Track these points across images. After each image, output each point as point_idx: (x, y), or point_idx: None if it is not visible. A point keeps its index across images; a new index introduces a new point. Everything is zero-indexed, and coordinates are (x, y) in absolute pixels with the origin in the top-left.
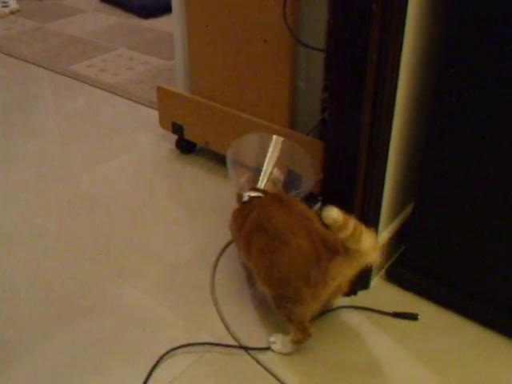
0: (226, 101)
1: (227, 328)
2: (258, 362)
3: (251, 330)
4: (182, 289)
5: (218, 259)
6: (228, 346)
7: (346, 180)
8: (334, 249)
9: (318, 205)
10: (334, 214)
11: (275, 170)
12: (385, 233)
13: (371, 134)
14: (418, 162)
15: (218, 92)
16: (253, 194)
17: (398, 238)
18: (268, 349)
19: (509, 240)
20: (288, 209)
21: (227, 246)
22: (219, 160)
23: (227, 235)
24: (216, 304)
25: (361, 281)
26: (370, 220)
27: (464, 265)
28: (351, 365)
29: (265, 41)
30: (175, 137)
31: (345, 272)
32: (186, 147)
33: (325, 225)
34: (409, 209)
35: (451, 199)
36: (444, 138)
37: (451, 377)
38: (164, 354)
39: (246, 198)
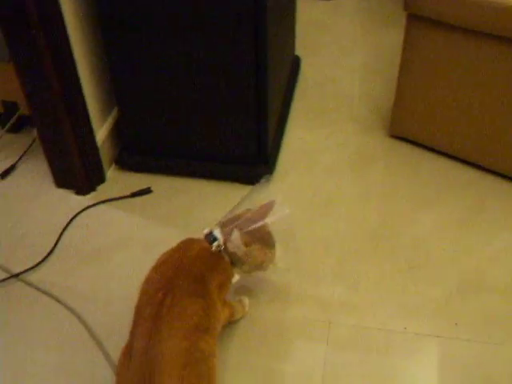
0: None
1: None
2: (32, 285)
3: (12, 254)
4: None
5: None
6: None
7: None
8: None
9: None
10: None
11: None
12: (101, 131)
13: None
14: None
15: None
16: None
17: (117, 133)
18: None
19: (188, 112)
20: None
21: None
22: None
23: None
24: None
25: (96, 176)
26: (82, 125)
27: (165, 136)
28: (103, 246)
29: None
30: None
31: None
32: None
33: None
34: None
35: (137, 92)
36: (116, 45)
37: (188, 227)
38: None
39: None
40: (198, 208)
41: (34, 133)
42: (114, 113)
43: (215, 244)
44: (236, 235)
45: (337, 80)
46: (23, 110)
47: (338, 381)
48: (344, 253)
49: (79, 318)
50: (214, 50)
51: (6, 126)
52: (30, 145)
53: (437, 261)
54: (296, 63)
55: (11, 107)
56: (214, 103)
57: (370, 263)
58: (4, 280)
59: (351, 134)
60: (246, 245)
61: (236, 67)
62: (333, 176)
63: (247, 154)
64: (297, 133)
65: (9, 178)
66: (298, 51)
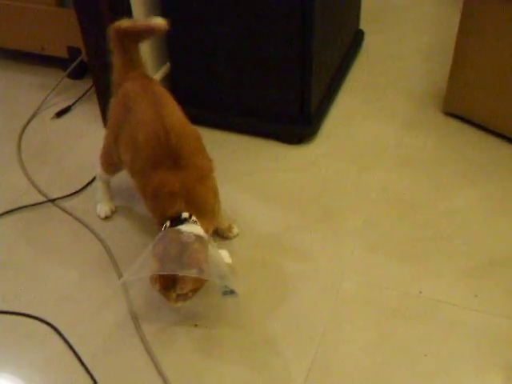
0: None
1: (32, 183)
2: (65, 211)
3: (53, 182)
4: None
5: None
6: (36, 204)
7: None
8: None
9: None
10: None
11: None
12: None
13: None
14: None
15: None
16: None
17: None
18: None
19: (235, 68)
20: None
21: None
22: (10, 57)
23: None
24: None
25: None
26: None
27: (210, 89)
28: None
29: None
30: None
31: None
32: None
33: None
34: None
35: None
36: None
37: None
38: None
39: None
40: (231, 161)
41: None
42: (164, 68)
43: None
44: None
45: (398, 57)
46: (85, 56)
47: (340, 331)
48: (372, 215)
49: (102, 242)
50: (263, 8)
51: (67, 71)
52: (88, 90)
53: (468, 235)
54: (358, 37)
55: (76, 53)
56: (260, 60)
57: (398, 228)
58: (41, 203)
59: (404, 109)
60: None
61: (283, 26)
62: (376, 144)
63: (289, 113)
64: (348, 102)
65: (64, 117)
66: (364, 26)
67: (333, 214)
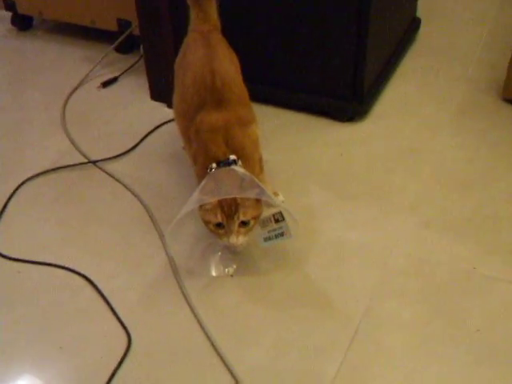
0: None
1: (76, 147)
2: (106, 172)
3: (94, 145)
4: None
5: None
6: (77, 164)
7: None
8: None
9: None
10: None
11: None
12: None
13: None
14: None
15: None
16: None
17: None
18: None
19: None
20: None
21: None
22: (58, 30)
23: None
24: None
25: None
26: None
27: (263, 63)
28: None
29: None
30: (9, 14)
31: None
32: (22, 23)
33: None
34: None
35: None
36: None
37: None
38: (22, 183)
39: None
40: (280, 134)
41: (141, 53)
42: None
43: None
44: None
45: (456, 45)
46: (135, 29)
47: (386, 303)
48: (425, 192)
49: (143, 203)
50: None
51: (115, 43)
52: (136, 62)
53: None
54: (415, 24)
55: (125, 26)
56: (315, 35)
57: (452, 205)
58: (81, 164)
59: (460, 93)
60: None
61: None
62: (429, 127)
63: (342, 90)
64: (402, 86)
65: (110, 88)
66: (422, 14)
67: (383, 190)
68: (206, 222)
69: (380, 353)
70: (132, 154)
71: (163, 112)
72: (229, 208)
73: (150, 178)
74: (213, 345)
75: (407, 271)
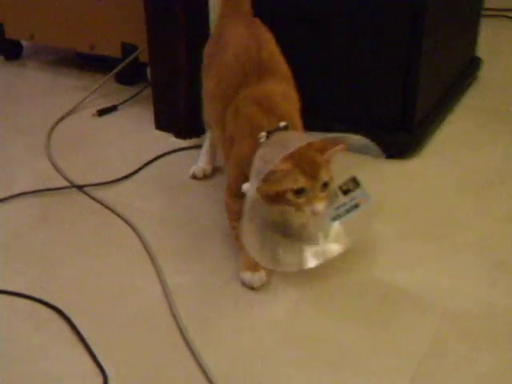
0: None
1: (59, 171)
2: (92, 198)
3: (82, 171)
4: None
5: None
6: (60, 188)
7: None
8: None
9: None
10: None
11: None
12: None
13: None
14: None
15: None
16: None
17: None
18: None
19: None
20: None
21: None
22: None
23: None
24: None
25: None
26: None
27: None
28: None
29: None
30: None
31: None
32: (9, 50)
33: None
34: None
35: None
36: None
37: None
38: None
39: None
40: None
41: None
42: None
43: None
44: None
45: None
46: (142, 53)
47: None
48: (488, 233)
49: (135, 230)
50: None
51: (116, 69)
52: (140, 91)
53: None
54: (474, 63)
55: (130, 51)
56: (364, 62)
57: None
58: (63, 188)
59: None
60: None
61: (391, 33)
62: (487, 169)
63: (390, 123)
64: (460, 124)
65: (107, 116)
66: (484, 54)
67: (445, 228)
68: (281, 194)
69: None
70: (127, 182)
71: (168, 142)
72: (310, 168)
73: (145, 207)
74: None
75: (471, 316)
